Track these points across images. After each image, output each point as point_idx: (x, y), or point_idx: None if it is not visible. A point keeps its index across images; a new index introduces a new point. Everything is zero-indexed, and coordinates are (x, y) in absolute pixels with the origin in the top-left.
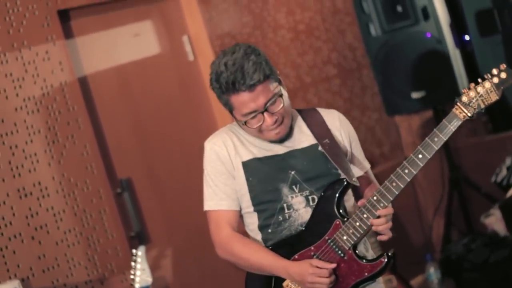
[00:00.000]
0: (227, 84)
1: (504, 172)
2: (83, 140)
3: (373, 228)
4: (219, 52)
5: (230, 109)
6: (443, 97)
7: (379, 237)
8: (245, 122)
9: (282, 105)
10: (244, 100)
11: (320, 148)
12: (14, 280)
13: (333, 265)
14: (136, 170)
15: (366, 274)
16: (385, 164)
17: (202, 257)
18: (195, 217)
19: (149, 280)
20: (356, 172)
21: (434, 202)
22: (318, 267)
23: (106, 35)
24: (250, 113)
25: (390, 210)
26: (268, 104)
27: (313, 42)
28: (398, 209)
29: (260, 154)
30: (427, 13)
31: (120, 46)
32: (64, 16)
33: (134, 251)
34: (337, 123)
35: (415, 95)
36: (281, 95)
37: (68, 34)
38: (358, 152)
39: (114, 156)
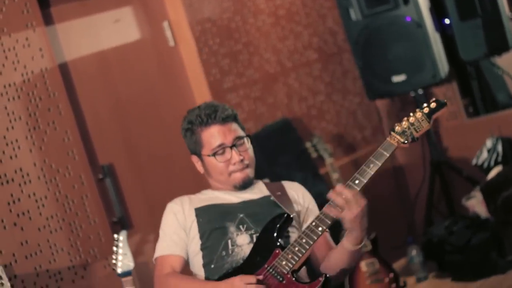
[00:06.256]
0: (200, 119)
1: (485, 154)
2: (64, 126)
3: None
4: (199, 38)
5: (199, 149)
6: (423, 80)
7: (344, 213)
8: (214, 154)
9: (248, 147)
10: (215, 133)
11: (272, 198)
12: None
13: (260, 277)
14: (117, 155)
15: None
16: (367, 148)
17: None
18: None
19: (131, 265)
20: None
21: (416, 185)
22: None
23: (86, 21)
24: (219, 146)
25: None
26: (236, 141)
27: (293, 27)
28: (380, 192)
29: (214, 202)
30: None
31: (100, 32)
32: (44, 2)
33: (115, 236)
34: (299, 190)
35: (395, 78)
36: (249, 139)
37: (48, 20)
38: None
39: (96, 142)
